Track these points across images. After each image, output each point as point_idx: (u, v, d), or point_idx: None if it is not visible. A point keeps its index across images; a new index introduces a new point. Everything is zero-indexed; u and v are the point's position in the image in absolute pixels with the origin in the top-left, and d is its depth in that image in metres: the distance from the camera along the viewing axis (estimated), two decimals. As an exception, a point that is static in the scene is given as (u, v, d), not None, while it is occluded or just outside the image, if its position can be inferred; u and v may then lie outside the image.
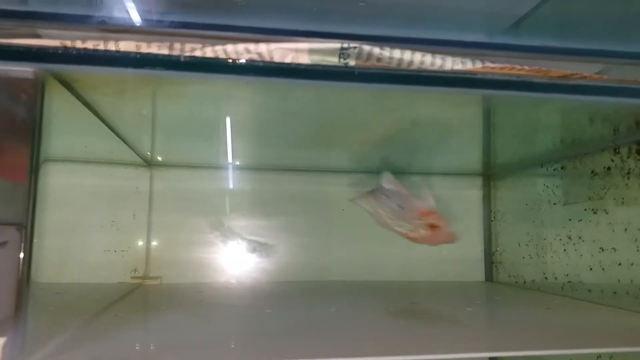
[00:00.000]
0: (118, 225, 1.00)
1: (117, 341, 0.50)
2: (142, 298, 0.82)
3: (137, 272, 0.99)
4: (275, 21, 0.47)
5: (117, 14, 0.47)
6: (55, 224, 0.94)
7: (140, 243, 1.01)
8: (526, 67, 0.50)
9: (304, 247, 1.06)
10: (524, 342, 0.54)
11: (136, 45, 0.45)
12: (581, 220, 0.81)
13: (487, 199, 1.13)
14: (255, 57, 0.45)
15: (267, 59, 0.45)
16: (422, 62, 0.47)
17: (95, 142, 0.89)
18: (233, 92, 0.64)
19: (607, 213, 0.75)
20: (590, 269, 0.78)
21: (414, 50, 0.47)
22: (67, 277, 0.93)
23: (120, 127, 0.79)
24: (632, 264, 0.70)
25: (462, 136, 0.92)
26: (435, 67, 0.48)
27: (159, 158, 1.03)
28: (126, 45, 0.45)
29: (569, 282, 0.84)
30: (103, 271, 0.96)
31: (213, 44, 0.45)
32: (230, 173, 1.08)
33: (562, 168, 0.88)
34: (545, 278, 0.91)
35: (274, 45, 0.46)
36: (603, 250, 0.76)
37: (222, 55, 0.45)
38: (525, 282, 0.98)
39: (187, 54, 0.45)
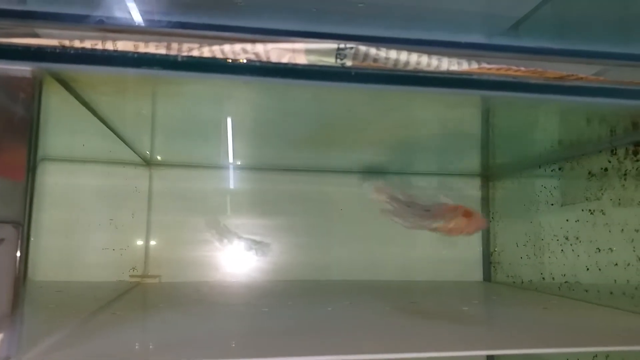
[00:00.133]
0: (117, 224, 1.00)
1: (114, 339, 0.50)
2: (140, 296, 0.82)
3: (136, 271, 1.00)
4: (272, 21, 0.47)
5: (115, 13, 0.48)
6: (55, 223, 0.94)
7: (140, 242, 1.02)
8: (522, 68, 0.50)
9: (303, 246, 1.06)
10: (521, 341, 0.55)
11: (134, 45, 0.45)
12: (578, 220, 0.81)
13: (486, 200, 1.13)
14: (252, 57, 0.45)
15: (264, 59, 0.45)
16: (418, 63, 0.47)
17: (94, 141, 0.89)
18: (232, 92, 0.64)
19: (604, 214, 0.76)
20: (587, 269, 0.79)
21: (410, 51, 0.47)
22: (66, 275, 0.93)
23: (119, 127, 0.79)
24: (628, 265, 0.70)
25: (461, 137, 0.93)
26: (432, 68, 0.48)
27: (158, 157, 1.03)
28: (124, 45, 0.45)
29: (566, 282, 0.84)
30: (102, 270, 0.96)
31: (210, 44, 0.46)
32: (230, 173, 1.08)
33: (559, 169, 0.88)
34: (543, 278, 0.91)
35: (270, 46, 0.46)
36: (600, 250, 0.76)
37: (219, 55, 0.45)
38: (522, 282, 0.98)
39: (185, 53, 0.45)
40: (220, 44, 0.45)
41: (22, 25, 0.46)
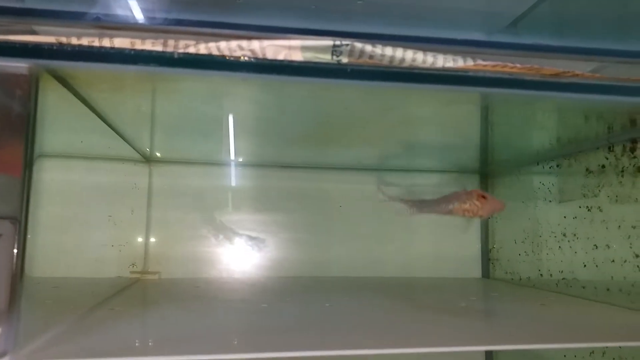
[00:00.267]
0: (117, 220, 1.00)
1: (111, 334, 0.51)
2: (139, 292, 0.83)
3: (135, 267, 1.00)
4: (268, 18, 0.47)
5: (112, 10, 0.48)
6: (54, 219, 0.95)
7: (140, 239, 1.02)
8: (518, 65, 0.50)
9: (302, 243, 1.07)
10: (519, 337, 0.55)
11: (130, 42, 0.45)
12: (576, 217, 0.82)
13: (485, 197, 1.13)
14: (248, 54, 0.46)
15: (260, 55, 0.46)
16: (413, 60, 0.47)
17: (94, 138, 0.89)
18: (231, 89, 0.65)
19: (601, 210, 0.76)
20: (585, 266, 0.79)
21: (406, 48, 0.48)
22: (65, 271, 0.94)
23: (119, 124, 0.79)
24: (625, 261, 0.70)
25: (460, 134, 0.93)
26: (427, 65, 0.48)
27: (158, 154, 1.03)
28: (121, 42, 0.45)
29: (564, 279, 0.84)
30: (101, 266, 0.97)
31: (206, 41, 0.46)
32: (229, 170, 1.08)
33: (557, 166, 0.88)
34: (541, 275, 0.91)
35: (266, 42, 0.46)
36: (597, 247, 0.76)
37: (215, 52, 0.45)
38: (520, 278, 0.99)
39: (181, 50, 0.45)
40: (216, 41, 0.45)
41: (19, 22, 0.46)
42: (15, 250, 0.40)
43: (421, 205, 0.80)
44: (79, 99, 0.61)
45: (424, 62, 0.48)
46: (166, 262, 1.02)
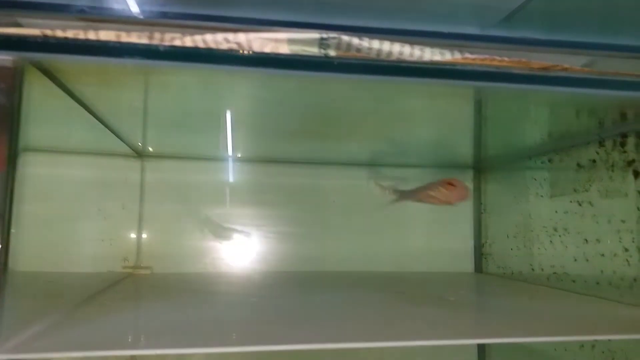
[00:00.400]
0: (109, 215, 1.00)
1: (98, 328, 0.51)
2: (130, 287, 0.83)
3: (127, 262, 1.00)
4: (254, 11, 0.47)
5: (97, 3, 0.47)
6: (43, 214, 0.94)
7: (132, 234, 1.02)
8: (506, 59, 0.50)
9: (296, 237, 1.07)
10: (511, 331, 0.55)
11: (116, 35, 0.45)
12: (567, 212, 0.82)
13: (477, 192, 1.14)
14: (234, 46, 0.45)
15: (246, 48, 0.45)
16: (400, 53, 0.47)
17: (85, 133, 0.89)
18: (222, 83, 0.64)
19: (591, 205, 0.76)
20: (575, 260, 0.79)
21: (393, 41, 0.47)
22: (55, 266, 0.93)
23: (109, 118, 0.79)
24: (615, 255, 0.70)
25: (453, 129, 0.93)
26: (414, 58, 0.48)
27: (150, 149, 1.03)
28: (106, 35, 0.45)
29: (555, 273, 0.84)
30: (92, 261, 0.96)
31: (192, 34, 0.45)
32: (223, 165, 1.08)
33: (549, 161, 0.88)
34: (532, 269, 0.91)
35: (253, 35, 0.46)
36: (587, 241, 0.76)
37: (201, 45, 0.45)
38: (513, 273, 0.99)
39: (167, 43, 0.45)
40: (202, 34, 0.45)
41: (3, 14, 0.46)
42: (-2, 244, 0.40)
43: (403, 194, 0.88)
44: (67, 92, 0.60)
45: (411, 55, 0.47)
46: (158, 257, 1.02)
